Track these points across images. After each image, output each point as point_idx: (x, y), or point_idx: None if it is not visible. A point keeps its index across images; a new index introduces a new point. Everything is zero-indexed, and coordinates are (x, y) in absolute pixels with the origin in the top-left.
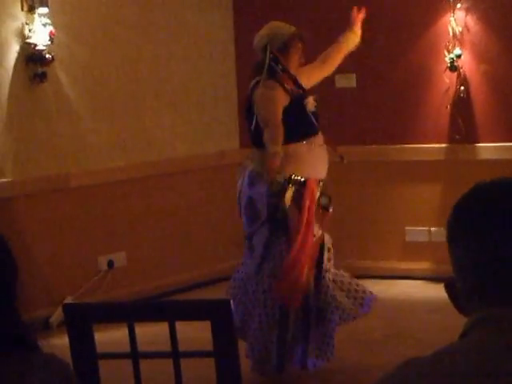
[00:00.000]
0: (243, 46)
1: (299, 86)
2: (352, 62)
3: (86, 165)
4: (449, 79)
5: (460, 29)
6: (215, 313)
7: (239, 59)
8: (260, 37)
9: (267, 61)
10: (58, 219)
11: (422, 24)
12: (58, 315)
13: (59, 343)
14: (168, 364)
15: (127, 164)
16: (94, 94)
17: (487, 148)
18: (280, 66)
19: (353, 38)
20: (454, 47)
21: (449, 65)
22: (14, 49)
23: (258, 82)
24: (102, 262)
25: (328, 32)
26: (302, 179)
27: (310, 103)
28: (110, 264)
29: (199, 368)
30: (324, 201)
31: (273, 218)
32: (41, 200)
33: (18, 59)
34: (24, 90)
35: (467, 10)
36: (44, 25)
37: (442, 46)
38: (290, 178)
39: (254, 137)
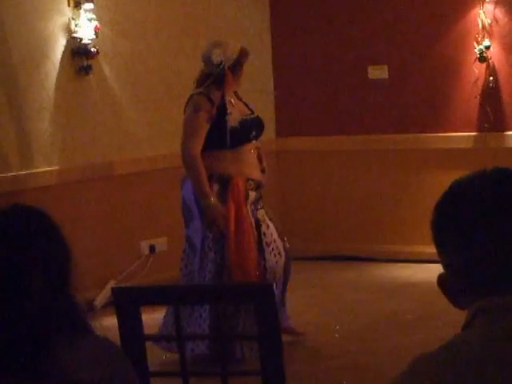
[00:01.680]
0: (279, 39)
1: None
2: (384, 54)
3: (129, 153)
4: (478, 70)
5: (489, 21)
6: (259, 296)
7: (275, 51)
8: (216, 53)
9: (213, 78)
10: (102, 206)
11: (452, 17)
12: (102, 297)
13: (103, 325)
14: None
15: (168, 152)
16: (136, 85)
17: None
18: (222, 86)
19: None
20: (483, 39)
21: (478, 56)
22: (61, 43)
23: (193, 95)
24: (144, 246)
25: (359, 19)
26: (226, 175)
27: (232, 119)
28: (152, 249)
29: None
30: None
31: (200, 211)
32: (86, 187)
33: (64, 53)
34: (70, 82)
35: (496, 3)
36: (89, 20)
37: (472, 37)
38: (212, 175)
39: None
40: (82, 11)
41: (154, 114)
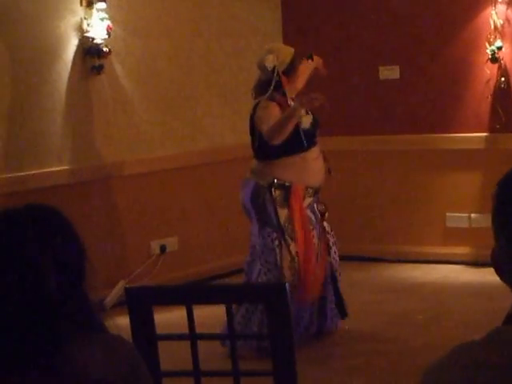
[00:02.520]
0: (291, 40)
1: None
2: (396, 55)
3: (140, 153)
4: (490, 70)
5: (501, 22)
6: (270, 296)
7: None
8: (269, 59)
9: (273, 83)
10: (113, 205)
11: (464, 17)
12: (112, 297)
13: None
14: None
15: (178, 152)
16: (148, 85)
17: None
18: (282, 90)
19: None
20: (495, 39)
21: (490, 56)
22: (73, 42)
23: (258, 103)
24: (155, 246)
25: (371, 20)
26: (286, 184)
27: (306, 121)
28: (163, 249)
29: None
30: (320, 207)
31: (260, 217)
32: (97, 187)
33: (76, 52)
34: (82, 82)
35: (508, 4)
36: (102, 19)
37: (484, 38)
38: (273, 182)
39: (256, 152)
40: (94, 11)
41: (166, 113)
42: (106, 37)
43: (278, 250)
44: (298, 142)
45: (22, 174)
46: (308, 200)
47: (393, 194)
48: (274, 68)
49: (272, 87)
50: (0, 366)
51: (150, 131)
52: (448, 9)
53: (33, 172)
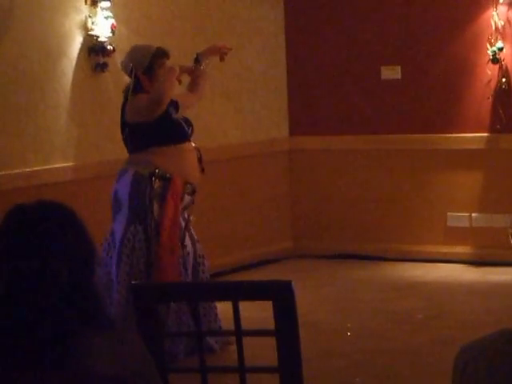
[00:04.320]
0: (293, 38)
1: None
2: (397, 55)
3: None
4: (491, 71)
5: (502, 23)
6: (277, 293)
7: (289, 50)
8: (125, 63)
9: (131, 85)
10: None
11: (466, 18)
12: None
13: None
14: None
15: None
16: None
17: None
18: (145, 90)
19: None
20: (496, 40)
21: (491, 57)
22: (78, 40)
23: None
24: None
25: (373, 20)
26: (168, 175)
27: (173, 113)
28: None
29: (260, 347)
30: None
31: (131, 206)
32: (101, 184)
33: (81, 50)
34: (86, 79)
35: (509, 5)
36: (106, 18)
37: (485, 39)
38: (155, 172)
39: (129, 145)
40: (98, 9)
41: None
42: (111, 35)
43: (144, 251)
44: (175, 132)
45: (27, 170)
46: (186, 199)
47: (394, 193)
48: (132, 69)
49: (131, 88)
50: (8, 361)
51: None
52: (449, 10)
53: (37, 168)
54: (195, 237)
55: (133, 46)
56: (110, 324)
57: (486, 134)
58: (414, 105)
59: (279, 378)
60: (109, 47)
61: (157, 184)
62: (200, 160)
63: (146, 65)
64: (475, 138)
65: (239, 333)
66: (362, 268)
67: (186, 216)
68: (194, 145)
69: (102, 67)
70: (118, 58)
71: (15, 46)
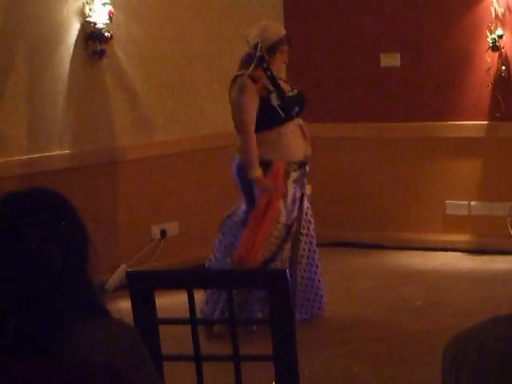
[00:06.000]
0: (292, 26)
1: (277, 85)
2: (397, 42)
3: (141, 138)
4: (490, 59)
5: (502, 10)
6: (272, 282)
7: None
8: (253, 34)
9: (256, 57)
10: (114, 190)
11: (465, 5)
12: (113, 280)
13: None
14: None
15: (180, 137)
16: (150, 70)
17: None
18: (265, 65)
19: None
20: (495, 28)
21: (491, 45)
22: (75, 27)
23: (237, 76)
24: (155, 231)
25: (372, 7)
26: (268, 160)
27: (274, 98)
28: (163, 233)
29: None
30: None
31: (245, 192)
32: (98, 171)
33: (78, 37)
34: (84, 66)
35: None
36: (103, 4)
37: (485, 26)
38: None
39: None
40: None
41: (167, 98)
42: (108, 22)
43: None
44: (273, 117)
45: (24, 157)
46: (294, 175)
47: (393, 181)
48: (257, 44)
49: (254, 63)
50: (2, 351)
51: (151, 116)
52: None
53: (34, 156)
54: (306, 211)
55: (265, 23)
56: (104, 312)
57: (485, 122)
58: (413, 92)
59: (274, 366)
60: (106, 34)
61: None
62: (304, 135)
63: (271, 44)
64: (474, 125)
65: (233, 321)
66: (360, 256)
67: (298, 191)
68: (295, 123)
69: (100, 54)
70: (116, 45)
71: (13, 31)
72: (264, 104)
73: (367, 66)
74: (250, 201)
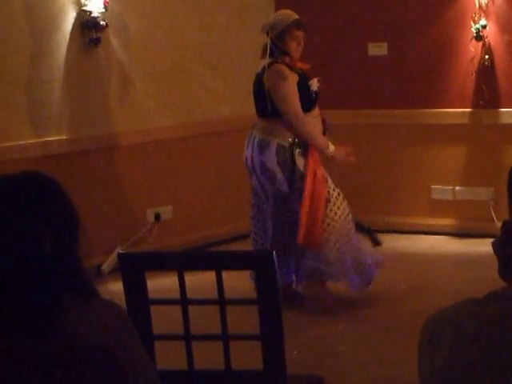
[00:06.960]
0: None
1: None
2: (384, 32)
3: (136, 124)
4: (474, 48)
5: (486, 1)
6: (260, 263)
7: None
8: (264, 24)
9: (268, 45)
10: (110, 174)
11: None
12: (109, 263)
13: (110, 289)
14: (212, 310)
15: (174, 124)
16: (144, 58)
17: (509, 113)
18: (279, 50)
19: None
20: (479, 18)
21: (474, 35)
22: (71, 15)
23: (271, 64)
24: (150, 214)
25: None
26: (304, 141)
27: (314, 84)
28: (157, 217)
29: (243, 314)
30: None
31: (288, 177)
32: (94, 156)
33: (74, 25)
34: (79, 54)
35: None
36: None
37: (469, 17)
38: (294, 141)
39: (262, 109)
40: None
41: (161, 86)
42: (104, 11)
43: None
44: (309, 102)
45: (21, 142)
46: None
47: (380, 166)
48: (267, 32)
49: (268, 50)
50: None
51: (146, 103)
52: None
53: (31, 141)
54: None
55: (279, 12)
56: (94, 293)
57: (469, 110)
58: (400, 81)
59: (261, 345)
60: (102, 23)
61: (297, 151)
62: (324, 123)
63: (279, 31)
64: (459, 113)
65: (222, 301)
66: None
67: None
68: (318, 110)
69: (95, 42)
70: (111, 34)
71: (9, 19)
72: (304, 89)
73: (355, 55)
74: (291, 181)
